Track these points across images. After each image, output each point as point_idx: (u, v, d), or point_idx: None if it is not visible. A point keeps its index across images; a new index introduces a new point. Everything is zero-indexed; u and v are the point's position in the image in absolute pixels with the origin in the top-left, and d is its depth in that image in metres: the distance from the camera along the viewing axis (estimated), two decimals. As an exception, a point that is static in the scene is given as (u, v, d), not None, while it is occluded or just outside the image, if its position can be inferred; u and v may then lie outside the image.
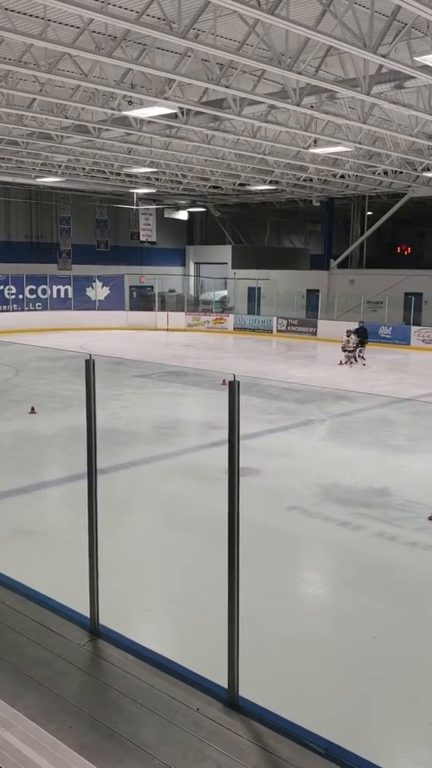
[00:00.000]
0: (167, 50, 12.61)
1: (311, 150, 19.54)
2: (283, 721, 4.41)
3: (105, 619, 5.41)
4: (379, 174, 25.65)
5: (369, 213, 34.91)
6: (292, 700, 4.99)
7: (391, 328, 29.48)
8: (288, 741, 4.23)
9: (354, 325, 24.57)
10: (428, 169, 23.63)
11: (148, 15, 10.22)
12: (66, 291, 34.12)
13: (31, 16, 11.39)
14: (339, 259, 34.52)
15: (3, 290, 32.13)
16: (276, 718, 4.44)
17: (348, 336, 23.47)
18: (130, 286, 36.14)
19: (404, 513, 9.25)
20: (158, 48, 12.40)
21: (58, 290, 33.95)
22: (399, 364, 24.94)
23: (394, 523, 8.91)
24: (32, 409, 15.11)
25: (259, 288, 35.63)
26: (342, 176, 26.27)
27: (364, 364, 22.72)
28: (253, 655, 4.82)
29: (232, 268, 38.04)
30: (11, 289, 32.39)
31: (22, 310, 32.70)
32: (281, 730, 4.32)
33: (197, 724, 4.33)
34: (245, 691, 4.58)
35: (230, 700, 4.55)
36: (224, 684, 4.60)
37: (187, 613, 6.54)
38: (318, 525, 8.82)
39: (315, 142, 18.93)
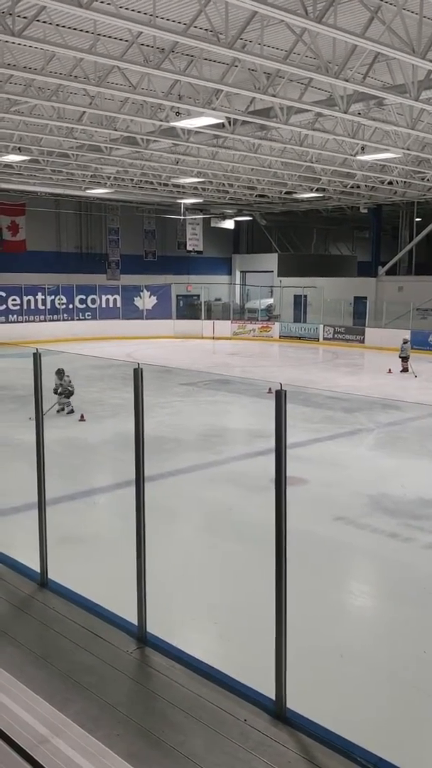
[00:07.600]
0: (214, 61, 12.70)
1: (359, 157, 19.40)
2: (331, 735, 4.35)
3: (152, 627, 5.43)
4: (428, 180, 25.29)
5: (418, 219, 34.45)
6: (340, 714, 4.90)
7: (440, 336, 28.97)
8: (336, 755, 4.17)
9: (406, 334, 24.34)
10: None
11: (195, 27, 10.31)
12: (114, 300, 34.61)
13: (81, 31, 11.62)
14: (387, 266, 34.11)
15: (54, 300, 32.79)
16: (324, 732, 4.38)
17: (405, 344, 23.25)
18: (177, 295, 36.45)
19: (455, 525, 9.05)
20: (205, 59, 12.50)
21: (107, 300, 34.48)
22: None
23: (445, 534, 8.73)
24: (82, 416, 15.35)
25: (305, 296, 35.46)
26: (390, 183, 25.99)
27: (415, 376, 22.29)
28: (299, 667, 4.77)
29: (278, 276, 37.96)
30: (62, 299, 33.03)
31: (72, 319, 33.30)
32: (329, 743, 4.26)
33: (244, 735, 4.31)
34: (292, 703, 4.54)
35: (278, 711, 4.51)
36: (271, 695, 4.57)
37: (234, 623, 6.52)
38: (366, 536, 8.69)
39: (362, 149, 18.78)
